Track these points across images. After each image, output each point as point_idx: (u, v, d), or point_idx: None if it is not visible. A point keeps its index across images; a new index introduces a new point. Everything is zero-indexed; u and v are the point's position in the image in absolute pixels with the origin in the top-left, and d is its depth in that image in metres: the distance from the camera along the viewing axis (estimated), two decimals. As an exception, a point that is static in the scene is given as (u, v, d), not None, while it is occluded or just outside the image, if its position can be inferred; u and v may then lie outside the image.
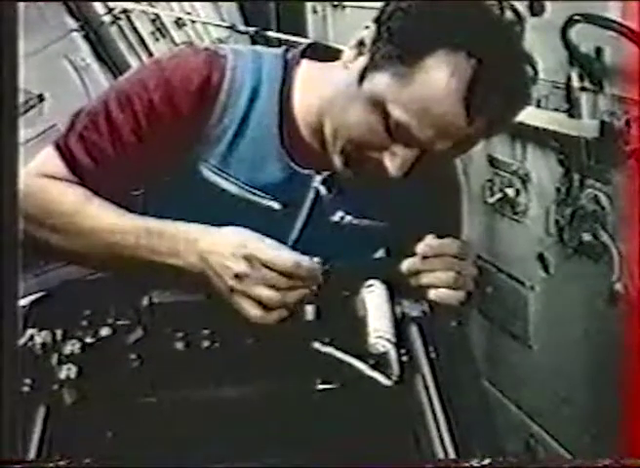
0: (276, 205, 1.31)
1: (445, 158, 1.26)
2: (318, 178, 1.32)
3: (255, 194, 1.30)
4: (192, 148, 1.27)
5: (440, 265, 1.16)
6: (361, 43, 1.18)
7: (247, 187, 1.30)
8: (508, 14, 1.14)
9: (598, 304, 1.78)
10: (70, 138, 1.26)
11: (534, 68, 1.17)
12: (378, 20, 1.16)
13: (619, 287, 1.69)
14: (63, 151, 1.26)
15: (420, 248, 1.16)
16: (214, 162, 1.29)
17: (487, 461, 0.91)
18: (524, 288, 2.06)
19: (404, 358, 1.06)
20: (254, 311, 1.10)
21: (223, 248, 1.13)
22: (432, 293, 1.15)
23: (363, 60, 1.17)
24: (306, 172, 1.31)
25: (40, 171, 1.25)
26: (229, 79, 1.26)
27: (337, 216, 1.35)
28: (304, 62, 1.33)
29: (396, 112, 1.12)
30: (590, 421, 1.92)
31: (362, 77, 1.16)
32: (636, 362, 1.63)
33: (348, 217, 1.35)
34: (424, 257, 1.16)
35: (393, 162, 1.16)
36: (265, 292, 1.10)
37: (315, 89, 1.26)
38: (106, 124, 1.25)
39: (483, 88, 1.09)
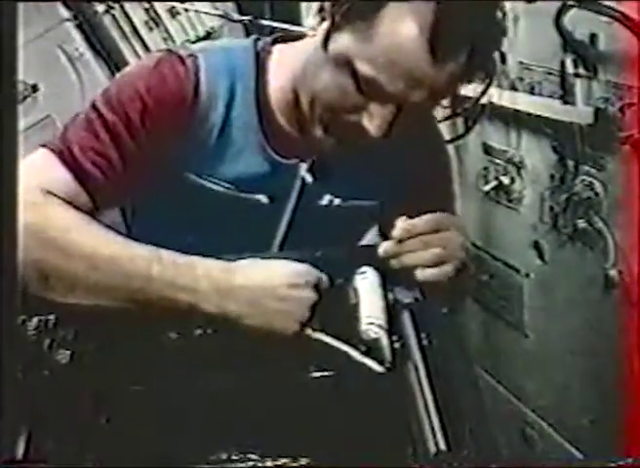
0: (264, 198, 1.31)
1: (424, 112, 1.24)
2: (303, 167, 1.31)
3: (242, 190, 1.30)
4: (179, 153, 1.26)
5: (418, 245, 1.14)
6: (321, 9, 1.17)
7: (234, 185, 1.29)
8: None
9: (593, 291, 1.78)
10: (73, 147, 1.19)
11: (500, 7, 1.14)
12: None
13: (613, 273, 1.70)
14: (68, 162, 1.19)
15: (395, 232, 1.13)
16: (199, 167, 1.28)
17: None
18: (519, 275, 2.07)
19: (396, 345, 1.05)
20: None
21: (268, 282, 1.11)
22: (419, 274, 1.14)
23: (325, 25, 1.15)
24: (290, 161, 1.31)
25: (43, 186, 1.15)
26: (206, 83, 1.24)
27: (325, 201, 1.35)
28: (275, 49, 1.32)
29: (363, 68, 1.10)
30: (588, 409, 1.92)
31: (326, 40, 1.14)
32: (632, 348, 1.64)
33: (337, 200, 1.35)
34: (400, 241, 1.15)
35: (372, 122, 1.15)
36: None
37: (286, 68, 1.25)
38: (105, 130, 1.21)
39: (446, 30, 1.06)
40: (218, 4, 2.84)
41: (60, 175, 1.18)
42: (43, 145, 1.20)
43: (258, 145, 1.28)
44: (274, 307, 1.09)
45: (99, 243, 1.11)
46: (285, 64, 1.26)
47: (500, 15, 1.14)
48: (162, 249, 1.12)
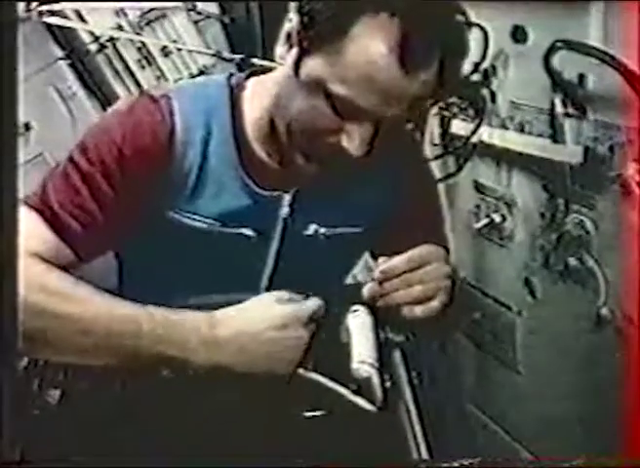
0: (249, 232, 1.31)
1: (402, 127, 1.23)
2: (286, 198, 1.32)
3: (226, 225, 1.30)
4: (159, 196, 1.27)
5: (400, 284, 1.15)
6: (288, 36, 1.18)
7: (217, 221, 1.29)
8: None
9: (585, 329, 1.78)
10: (52, 202, 1.21)
11: (464, 15, 1.16)
12: (298, 10, 1.15)
13: (605, 311, 1.70)
14: (47, 217, 1.20)
15: (375, 274, 1.15)
16: (181, 206, 1.28)
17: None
18: (511, 312, 2.06)
19: (387, 383, 1.05)
20: None
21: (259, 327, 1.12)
22: (407, 312, 1.15)
23: (294, 52, 1.16)
24: (273, 194, 1.31)
25: (28, 248, 1.15)
26: (181, 122, 1.25)
27: (310, 231, 1.35)
28: (249, 83, 1.33)
29: (337, 88, 1.11)
30: (579, 446, 1.91)
31: (297, 67, 1.15)
32: (623, 386, 1.64)
33: (322, 229, 1.35)
34: (381, 282, 1.15)
35: (351, 142, 1.15)
36: None
37: (260, 98, 1.27)
38: (82, 182, 1.22)
39: (413, 42, 1.07)
40: (210, 43, 2.86)
41: (41, 233, 1.19)
42: (25, 202, 1.21)
43: (238, 180, 1.29)
44: (262, 352, 1.10)
45: (86, 307, 1.12)
46: (259, 95, 1.28)
47: (462, 20, 1.15)
48: (150, 306, 1.13)
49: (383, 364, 1.08)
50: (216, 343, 1.10)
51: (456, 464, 0.94)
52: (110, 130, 1.25)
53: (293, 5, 1.16)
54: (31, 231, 1.18)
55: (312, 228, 1.35)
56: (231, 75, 1.35)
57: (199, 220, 1.29)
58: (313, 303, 1.16)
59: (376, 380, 1.04)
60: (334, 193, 1.32)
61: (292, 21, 1.17)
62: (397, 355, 1.13)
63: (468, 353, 2.28)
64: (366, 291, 1.16)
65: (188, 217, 1.29)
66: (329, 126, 1.16)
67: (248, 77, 1.34)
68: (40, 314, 1.09)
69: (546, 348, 1.96)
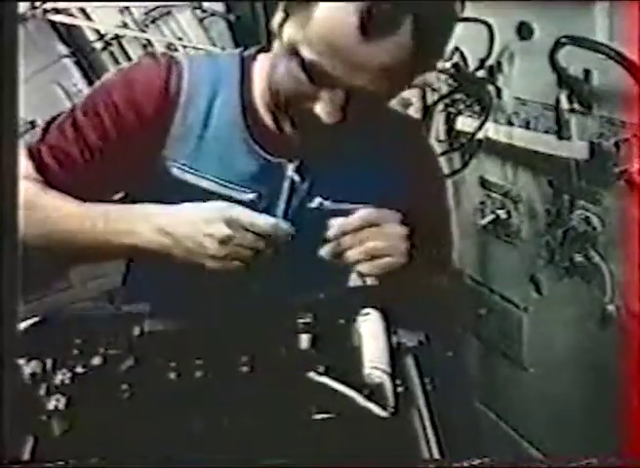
0: (251, 196, 1.31)
1: (379, 101, 1.22)
2: (291, 167, 1.32)
3: (228, 187, 1.30)
4: (159, 150, 1.29)
5: (353, 241, 1.16)
6: (279, 5, 1.19)
7: (219, 181, 1.30)
8: None
9: (591, 325, 1.78)
10: (39, 143, 1.29)
11: None
12: None
13: (611, 308, 1.70)
14: (33, 154, 1.28)
15: (329, 232, 1.17)
16: (182, 161, 1.30)
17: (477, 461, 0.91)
18: (517, 309, 2.06)
19: (399, 389, 1.05)
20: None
21: (192, 217, 1.17)
22: (361, 269, 1.17)
23: (278, 16, 1.17)
24: (278, 160, 1.32)
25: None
26: (187, 80, 1.28)
27: (315, 203, 1.35)
28: (261, 56, 1.34)
29: (306, 52, 1.11)
30: (588, 443, 1.91)
31: (280, 32, 1.17)
32: (629, 382, 1.63)
33: (327, 203, 1.34)
34: (337, 239, 1.17)
35: (323, 108, 1.15)
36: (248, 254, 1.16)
37: (264, 69, 1.28)
38: (72, 129, 1.28)
39: (377, 9, 1.05)
40: (216, 40, 2.86)
41: (26, 170, 1.27)
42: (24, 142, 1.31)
43: (244, 142, 1.30)
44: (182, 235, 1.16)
45: (49, 207, 1.24)
46: (264, 67, 1.29)
47: None
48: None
49: (395, 369, 1.07)
50: (161, 227, 1.17)
51: (465, 464, 0.93)
52: (109, 84, 1.31)
53: None
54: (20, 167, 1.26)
55: (317, 201, 1.35)
56: (245, 49, 1.37)
57: (200, 176, 1.30)
58: (260, 217, 1.18)
59: (388, 386, 1.03)
60: (339, 167, 1.33)
61: None
62: (410, 360, 1.12)
63: (474, 349, 2.28)
64: (323, 251, 1.17)
65: (190, 172, 1.30)
66: (304, 91, 1.16)
67: (260, 51, 1.36)
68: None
69: (552, 344, 1.96)
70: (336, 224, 1.17)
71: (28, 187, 1.24)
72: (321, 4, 1.09)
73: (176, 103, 1.28)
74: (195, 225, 1.15)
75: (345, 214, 1.34)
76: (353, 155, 1.32)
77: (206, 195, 1.28)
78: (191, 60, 1.31)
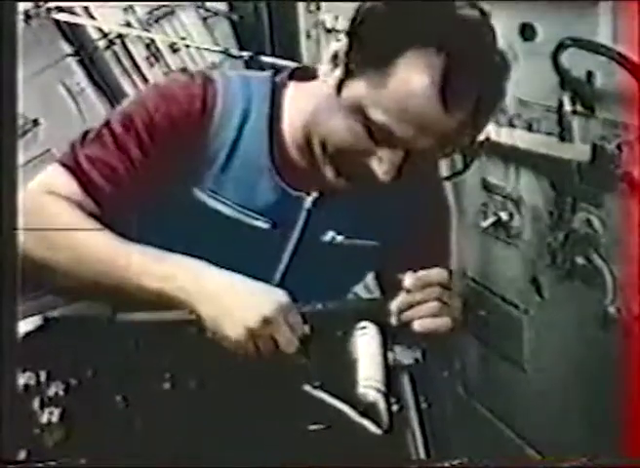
0: (267, 225, 1.32)
1: (431, 159, 1.26)
2: (309, 199, 1.33)
3: (247, 215, 1.32)
4: (189, 169, 1.29)
5: (424, 296, 1.15)
6: (335, 56, 1.20)
7: (239, 208, 1.31)
8: (473, 11, 1.14)
9: (592, 327, 1.78)
10: (80, 158, 1.26)
11: (504, 60, 1.18)
12: (348, 32, 1.17)
13: (612, 310, 1.69)
14: (75, 171, 1.26)
15: (407, 282, 1.15)
16: (207, 184, 1.30)
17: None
18: (518, 311, 2.06)
19: (394, 407, 1.05)
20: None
21: (241, 297, 1.14)
22: (417, 324, 1.15)
23: (339, 72, 1.18)
24: (297, 193, 1.33)
25: (46, 188, 1.24)
26: (222, 101, 1.29)
27: (328, 236, 1.37)
28: (291, 84, 1.35)
29: (376, 115, 1.14)
30: (586, 445, 1.91)
31: (339, 88, 1.18)
32: (630, 385, 1.63)
33: (339, 238, 1.36)
34: (409, 291, 1.15)
35: (381, 166, 1.18)
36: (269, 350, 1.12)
37: (300, 107, 1.29)
38: (113, 142, 1.26)
39: (455, 80, 1.10)
40: (219, 40, 2.87)
41: (65, 182, 1.25)
42: (57, 160, 1.29)
43: (266, 171, 1.31)
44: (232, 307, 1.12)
45: (86, 235, 1.20)
46: (298, 103, 1.31)
47: (502, 61, 1.18)
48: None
49: (391, 387, 1.07)
50: (199, 292, 1.13)
51: (447, 464, 0.94)
52: (147, 100, 1.30)
53: (344, 26, 1.19)
54: (56, 179, 1.25)
55: (330, 234, 1.37)
56: (276, 73, 1.38)
57: (222, 201, 1.30)
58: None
59: (382, 406, 1.03)
60: (354, 204, 1.34)
61: (341, 42, 1.19)
62: (405, 378, 1.12)
63: (474, 350, 2.28)
64: (395, 303, 1.15)
65: (213, 197, 1.30)
66: (362, 147, 1.18)
67: (290, 77, 1.36)
68: (48, 246, 1.18)
69: (553, 346, 1.96)
70: (415, 275, 1.16)
71: (73, 212, 1.22)
72: (396, 71, 1.12)
73: (209, 123, 1.28)
74: (239, 305, 1.13)
75: (356, 250, 1.36)
76: (372, 196, 1.33)
77: (224, 221, 1.30)
78: (226, 80, 1.32)
